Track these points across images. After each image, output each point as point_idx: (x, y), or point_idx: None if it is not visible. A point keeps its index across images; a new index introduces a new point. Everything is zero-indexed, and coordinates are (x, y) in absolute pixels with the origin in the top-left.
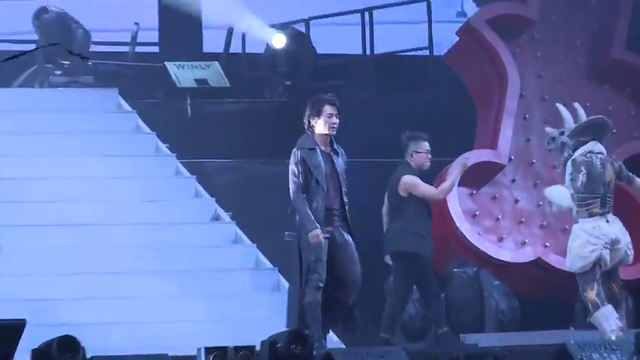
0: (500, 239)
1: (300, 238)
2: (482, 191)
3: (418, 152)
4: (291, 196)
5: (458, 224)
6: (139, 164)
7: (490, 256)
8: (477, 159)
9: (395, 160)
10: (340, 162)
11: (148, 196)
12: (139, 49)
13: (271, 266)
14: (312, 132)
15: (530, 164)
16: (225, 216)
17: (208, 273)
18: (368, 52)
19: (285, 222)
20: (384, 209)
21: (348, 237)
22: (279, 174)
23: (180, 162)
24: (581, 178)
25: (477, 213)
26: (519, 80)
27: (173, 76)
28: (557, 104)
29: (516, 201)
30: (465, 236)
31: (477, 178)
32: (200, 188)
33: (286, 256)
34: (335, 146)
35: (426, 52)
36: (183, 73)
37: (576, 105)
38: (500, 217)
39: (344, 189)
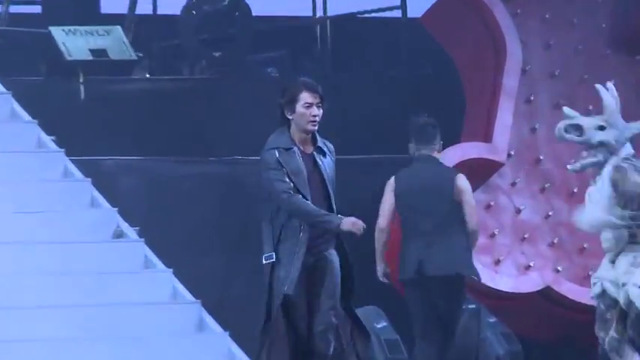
0: (497, 262)
1: (276, 263)
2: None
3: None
4: (285, 202)
5: None
6: (14, 163)
7: (484, 285)
8: (465, 155)
9: (353, 158)
10: (327, 163)
11: (26, 206)
12: (14, 8)
13: (192, 299)
14: (288, 127)
15: (536, 162)
16: (130, 232)
17: (109, 308)
18: (320, 13)
19: (211, 240)
20: (384, 223)
21: (335, 260)
22: (203, 176)
23: (71, 160)
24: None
25: None
26: (521, 51)
27: (61, 46)
28: (597, 85)
29: (518, 211)
30: None
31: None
32: (97, 195)
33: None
34: (319, 143)
35: (398, 14)
36: (74, 42)
37: (609, 86)
38: (496, 232)
39: (332, 198)
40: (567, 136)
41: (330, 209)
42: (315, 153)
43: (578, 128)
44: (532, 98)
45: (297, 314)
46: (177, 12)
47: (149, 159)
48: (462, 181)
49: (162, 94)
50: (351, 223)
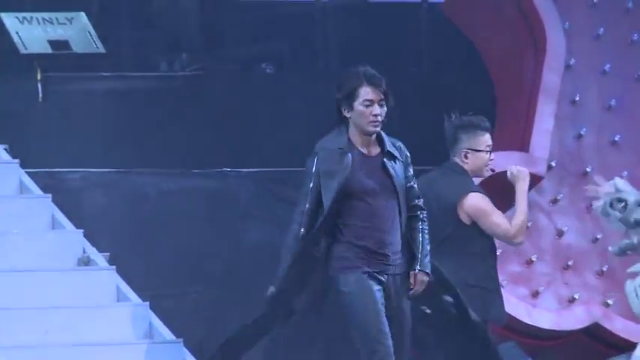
0: (536, 294)
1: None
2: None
3: (477, 151)
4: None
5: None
6: None
7: (519, 321)
8: (496, 167)
9: None
10: (397, 169)
11: None
12: None
13: (173, 337)
14: (347, 126)
15: (582, 175)
16: (99, 259)
17: (74, 349)
18: None
19: (195, 268)
20: None
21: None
22: (186, 191)
23: (27, 172)
24: None
25: (498, 252)
26: (565, 42)
27: (14, 36)
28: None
29: (560, 233)
30: None
31: (497, 196)
32: (59, 215)
33: None
34: (388, 146)
35: None
36: (29, 32)
37: None
38: (534, 258)
39: (403, 213)
40: (610, 211)
41: (399, 226)
42: (381, 157)
43: (622, 202)
44: (577, 99)
45: None
46: None
47: (121, 171)
48: (473, 200)
49: (135, 94)
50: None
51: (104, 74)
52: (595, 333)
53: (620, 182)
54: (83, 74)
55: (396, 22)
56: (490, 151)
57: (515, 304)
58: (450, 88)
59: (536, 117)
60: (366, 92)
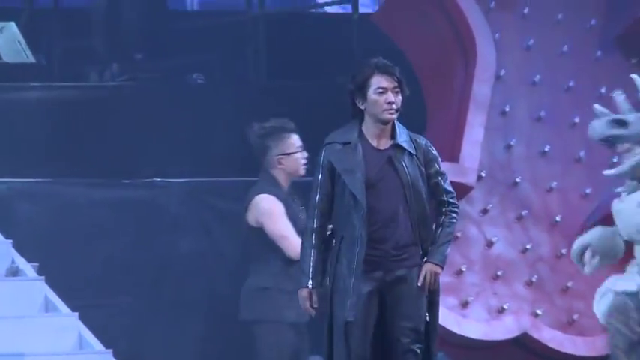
0: (465, 304)
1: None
2: None
3: (289, 154)
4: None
5: None
6: None
7: (449, 331)
8: None
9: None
10: (408, 163)
11: None
12: None
13: (102, 347)
14: (361, 120)
15: (512, 185)
16: (28, 269)
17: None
18: (256, 8)
19: (125, 278)
20: None
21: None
22: (116, 202)
23: None
24: None
25: None
26: (495, 53)
27: None
28: (634, 75)
29: (490, 243)
30: None
31: None
32: None
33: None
34: (398, 138)
35: (348, 8)
36: None
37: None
38: (464, 268)
39: (413, 207)
40: (613, 131)
41: (407, 222)
42: (392, 150)
43: (622, 124)
44: (507, 109)
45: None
46: (84, 5)
47: (50, 182)
48: (261, 202)
49: (65, 104)
50: (302, 299)
51: (34, 84)
52: (524, 343)
53: (619, 97)
54: (12, 84)
55: (327, 33)
56: (302, 151)
57: (445, 315)
58: None
59: (466, 127)
60: (378, 80)
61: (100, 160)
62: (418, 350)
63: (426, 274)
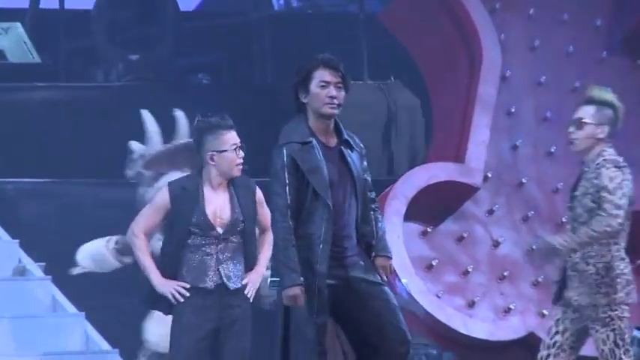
0: (471, 304)
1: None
2: (443, 228)
3: (222, 151)
4: (274, 224)
5: (403, 280)
6: None
7: (455, 331)
8: (432, 178)
9: None
10: (355, 158)
11: None
12: None
13: (108, 347)
14: (306, 115)
15: (518, 186)
16: (35, 269)
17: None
18: (261, 8)
19: (131, 278)
20: None
21: (374, 279)
22: (123, 201)
23: None
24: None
25: (435, 263)
26: (500, 53)
27: None
28: None
29: (496, 244)
30: (413, 299)
31: (433, 207)
32: None
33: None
34: (345, 135)
35: (355, 9)
36: None
37: None
38: (470, 269)
39: (360, 204)
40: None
41: (360, 216)
42: (340, 147)
43: None
44: (513, 110)
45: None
46: (89, 7)
47: (57, 182)
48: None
49: (71, 104)
50: (292, 298)
51: (40, 84)
52: (531, 343)
53: None
54: (18, 84)
55: (333, 33)
56: (237, 149)
57: (452, 315)
58: (385, 99)
59: (472, 128)
60: (321, 74)
61: (106, 159)
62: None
63: (386, 269)
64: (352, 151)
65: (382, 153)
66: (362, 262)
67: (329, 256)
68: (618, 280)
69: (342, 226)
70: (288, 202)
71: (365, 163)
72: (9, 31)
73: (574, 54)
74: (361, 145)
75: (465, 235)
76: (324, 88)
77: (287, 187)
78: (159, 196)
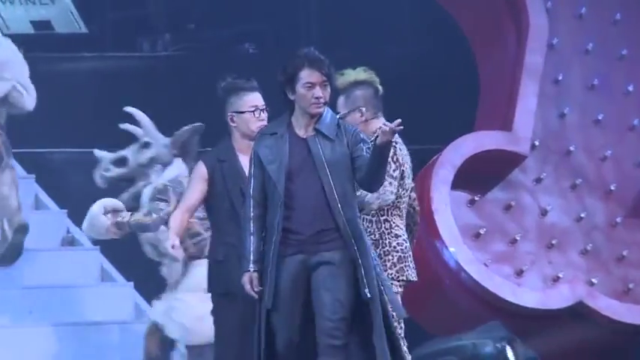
0: (520, 273)
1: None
2: (490, 197)
3: (241, 112)
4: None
5: (451, 249)
6: None
7: (503, 300)
8: (480, 147)
9: None
10: (323, 146)
11: None
12: None
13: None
14: (292, 108)
15: (565, 154)
16: (83, 239)
17: (59, 329)
18: None
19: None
20: None
21: (335, 272)
22: None
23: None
24: None
25: (482, 232)
26: (547, 22)
27: None
28: None
29: (544, 212)
30: (462, 268)
31: (480, 176)
32: (43, 195)
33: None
34: (320, 125)
35: None
36: (12, 12)
37: None
38: (518, 237)
39: (334, 190)
40: None
41: (326, 207)
42: (310, 137)
43: None
44: (560, 78)
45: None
46: None
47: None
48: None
49: (118, 75)
50: (244, 284)
51: (87, 54)
52: (580, 312)
53: None
54: (66, 54)
55: (377, 1)
56: (255, 111)
57: (500, 283)
58: (432, 67)
59: (519, 96)
60: (306, 75)
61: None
62: (343, 326)
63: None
64: (324, 139)
65: (431, 120)
66: (323, 253)
67: (285, 243)
68: None
69: (302, 213)
70: (251, 192)
71: (356, 147)
72: (55, 2)
73: (621, 21)
74: (358, 132)
75: (513, 203)
76: (309, 89)
77: (252, 178)
78: (195, 172)
